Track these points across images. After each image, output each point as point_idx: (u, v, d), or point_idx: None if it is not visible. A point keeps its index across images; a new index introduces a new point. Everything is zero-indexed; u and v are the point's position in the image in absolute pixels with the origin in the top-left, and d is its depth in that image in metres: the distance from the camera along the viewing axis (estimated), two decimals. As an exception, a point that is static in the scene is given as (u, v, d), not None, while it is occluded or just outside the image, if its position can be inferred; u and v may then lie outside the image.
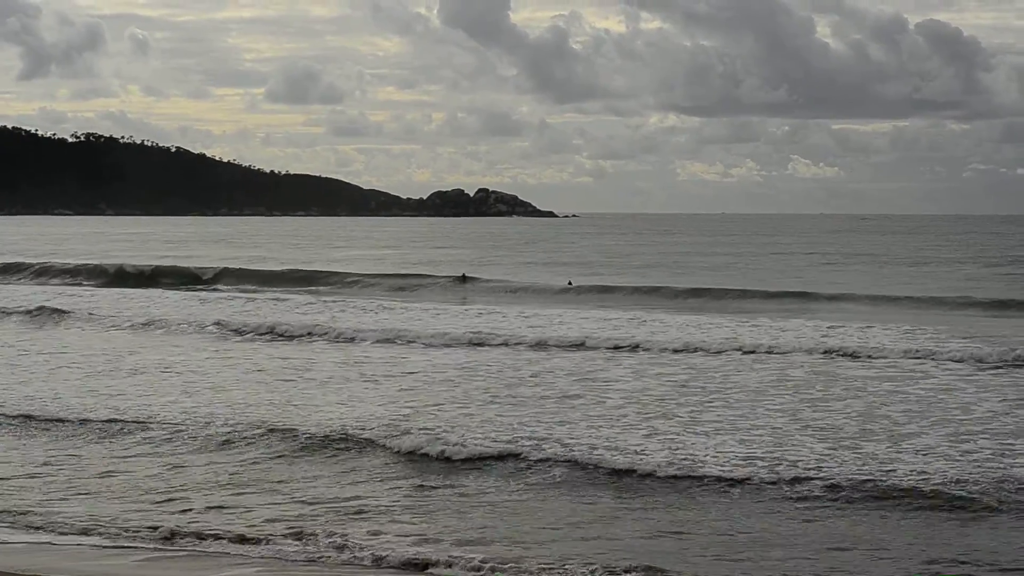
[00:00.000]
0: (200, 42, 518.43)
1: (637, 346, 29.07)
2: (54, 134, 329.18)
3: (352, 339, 31.41)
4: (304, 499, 14.59)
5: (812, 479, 15.06)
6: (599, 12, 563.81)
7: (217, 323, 34.94)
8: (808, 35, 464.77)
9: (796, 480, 15.00)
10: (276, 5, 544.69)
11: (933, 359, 26.28)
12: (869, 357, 26.87)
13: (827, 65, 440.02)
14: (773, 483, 14.86)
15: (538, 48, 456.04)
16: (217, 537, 13.07)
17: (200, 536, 13.12)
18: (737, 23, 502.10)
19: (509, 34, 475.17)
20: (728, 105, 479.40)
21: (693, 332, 31.76)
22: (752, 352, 28.04)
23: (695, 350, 28.38)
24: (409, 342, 30.59)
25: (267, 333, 32.87)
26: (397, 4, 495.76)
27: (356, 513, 13.89)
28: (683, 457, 16.38)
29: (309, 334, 32.37)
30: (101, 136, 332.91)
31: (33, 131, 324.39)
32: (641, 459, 16.20)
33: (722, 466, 15.78)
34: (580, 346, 29.24)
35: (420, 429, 18.02)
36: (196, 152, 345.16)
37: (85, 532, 13.43)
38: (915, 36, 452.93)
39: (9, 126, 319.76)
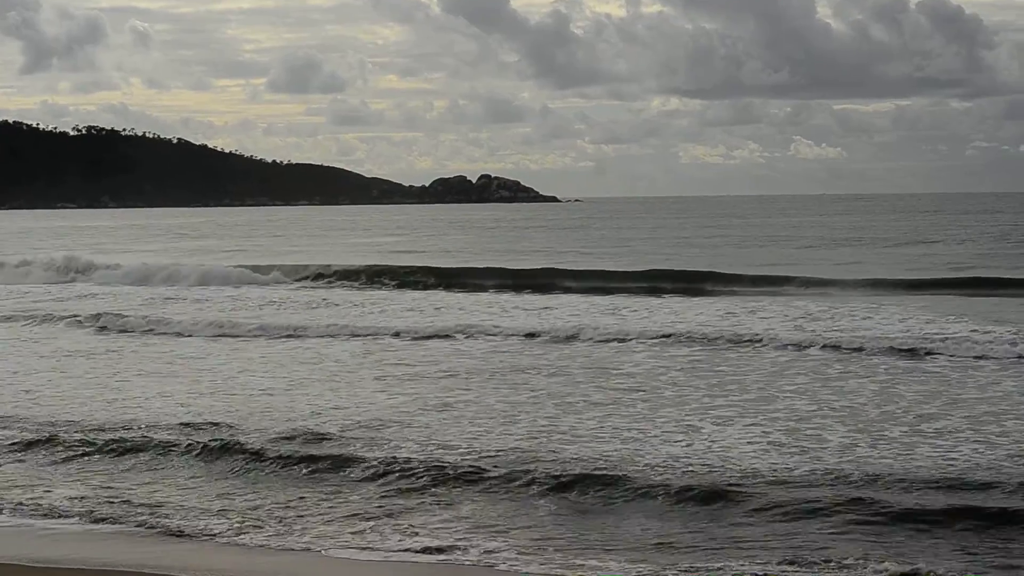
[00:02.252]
0: (200, 33, 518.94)
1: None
2: (55, 128, 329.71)
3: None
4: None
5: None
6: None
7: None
8: (809, 16, 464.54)
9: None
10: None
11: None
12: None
13: (829, 46, 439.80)
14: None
15: (539, 33, 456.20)
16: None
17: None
18: (738, 5, 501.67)
19: (510, 20, 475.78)
20: (730, 87, 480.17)
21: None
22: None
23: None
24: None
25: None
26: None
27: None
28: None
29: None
30: (103, 129, 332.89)
31: (35, 125, 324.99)
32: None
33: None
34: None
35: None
36: (198, 143, 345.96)
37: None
38: (916, 15, 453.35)
39: (10, 120, 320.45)
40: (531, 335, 29.17)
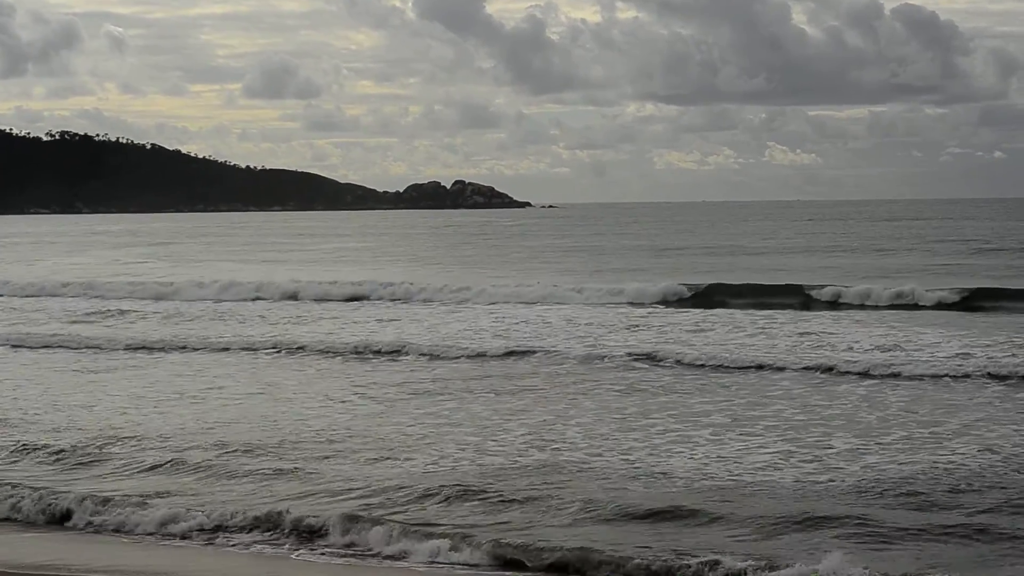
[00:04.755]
0: (174, 39, 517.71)
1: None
2: (29, 133, 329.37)
3: None
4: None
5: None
6: (574, 2, 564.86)
7: None
8: (784, 22, 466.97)
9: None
10: (247, 1, 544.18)
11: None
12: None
13: (804, 52, 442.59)
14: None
15: (515, 39, 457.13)
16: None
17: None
18: (713, 11, 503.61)
19: (485, 25, 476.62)
20: (705, 93, 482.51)
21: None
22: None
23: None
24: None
25: None
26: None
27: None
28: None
29: None
30: (76, 134, 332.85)
31: (8, 130, 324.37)
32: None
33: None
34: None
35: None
36: (171, 149, 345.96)
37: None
38: (891, 21, 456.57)
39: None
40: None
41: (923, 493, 15.49)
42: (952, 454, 17.71)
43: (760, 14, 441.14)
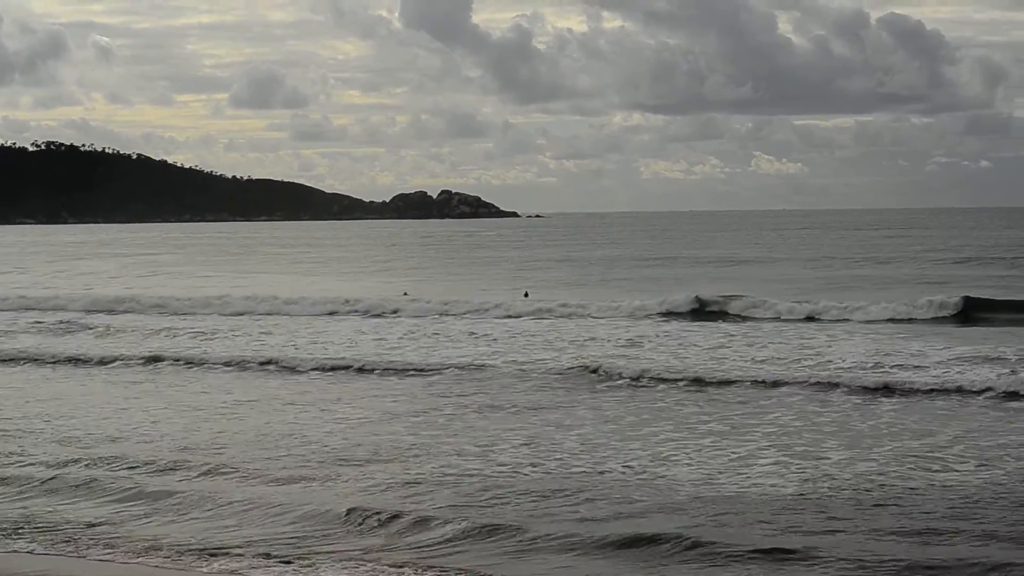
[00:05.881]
0: (160, 48, 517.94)
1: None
2: (15, 143, 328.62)
3: None
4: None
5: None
6: (560, 12, 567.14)
7: None
8: (771, 31, 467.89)
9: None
10: (234, 11, 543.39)
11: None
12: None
13: (791, 61, 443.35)
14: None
15: (501, 48, 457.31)
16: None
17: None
18: (699, 20, 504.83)
19: (471, 35, 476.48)
20: (692, 103, 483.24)
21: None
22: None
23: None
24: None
25: None
26: (358, 7, 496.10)
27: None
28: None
29: None
30: (62, 144, 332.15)
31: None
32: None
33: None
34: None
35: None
36: (158, 159, 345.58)
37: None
38: (878, 31, 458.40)
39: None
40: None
41: (923, 516, 14.75)
42: (948, 471, 17.07)
43: (746, 23, 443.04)
